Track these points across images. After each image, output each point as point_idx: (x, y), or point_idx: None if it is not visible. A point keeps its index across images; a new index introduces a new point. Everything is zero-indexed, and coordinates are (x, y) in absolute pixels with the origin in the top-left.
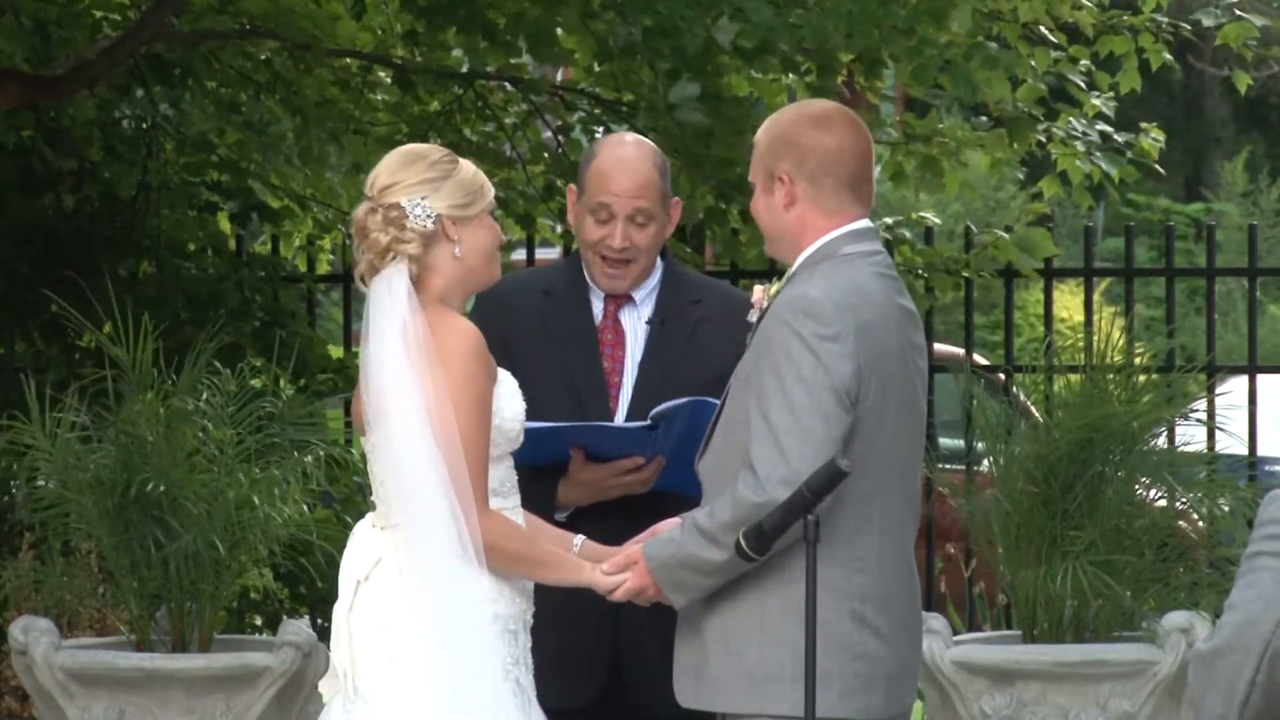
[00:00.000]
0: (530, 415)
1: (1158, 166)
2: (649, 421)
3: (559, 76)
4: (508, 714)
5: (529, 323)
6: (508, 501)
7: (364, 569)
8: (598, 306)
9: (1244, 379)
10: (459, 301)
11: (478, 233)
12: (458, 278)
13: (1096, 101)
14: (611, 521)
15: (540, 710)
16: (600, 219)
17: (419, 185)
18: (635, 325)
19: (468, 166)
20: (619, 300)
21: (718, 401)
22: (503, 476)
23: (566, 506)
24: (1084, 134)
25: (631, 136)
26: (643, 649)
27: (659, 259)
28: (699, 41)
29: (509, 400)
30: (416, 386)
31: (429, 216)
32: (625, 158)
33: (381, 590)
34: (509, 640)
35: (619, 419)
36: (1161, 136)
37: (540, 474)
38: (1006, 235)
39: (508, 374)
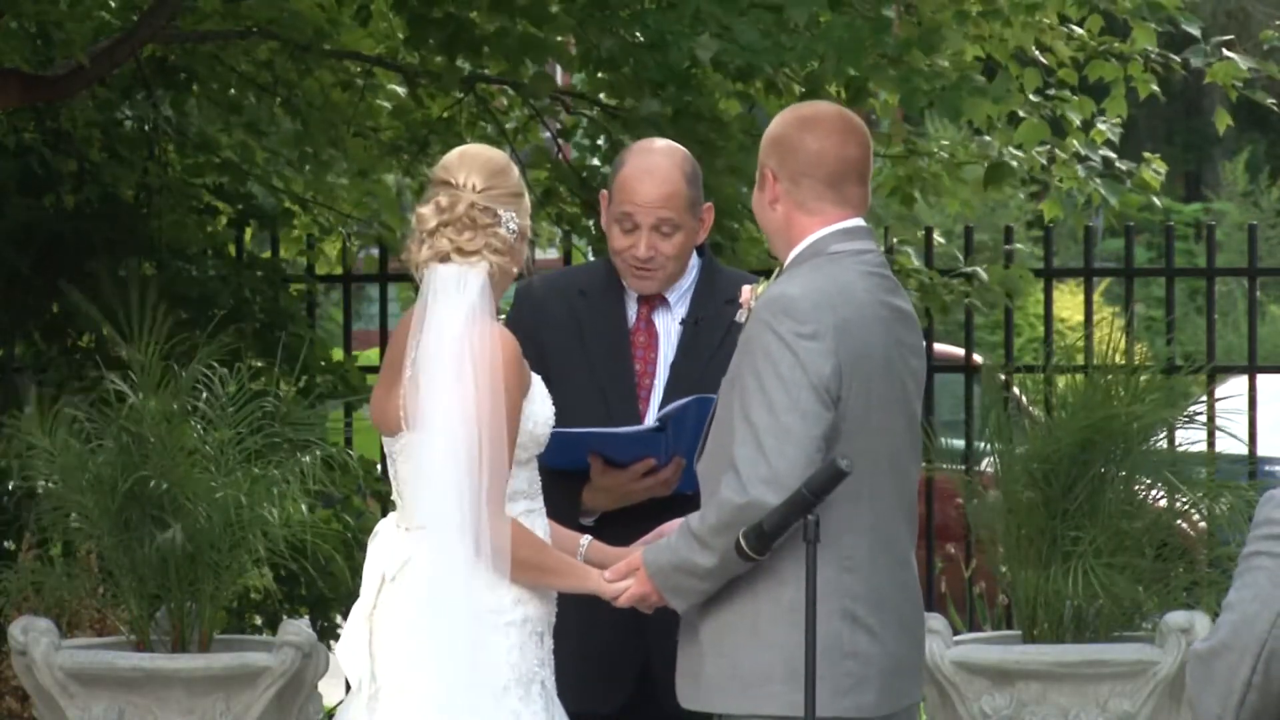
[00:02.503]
0: (560, 418)
1: (1155, 199)
2: (656, 423)
3: (559, 81)
4: (534, 715)
5: (563, 323)
6: (534, 504)
7: (392, 569)
8: (631, 309)
9: (1244, 379)
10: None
11: (524, 251)
12: (502, 291)
13: (1103, 127)
14: (639, 526)
15: (563, 710)
16: (625, 228)
17: (511, 198)
18: (669, 326)
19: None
20: (652, 302)
21: None
22: (529, 478)
23: (592, 511)
24: (1086, 158)
25: (661, 143)
26: (671, 653)
27: (696, 256)
28: (683, 57)
29: (540, 404)
30: (471, 390)
31: (515, 231)
32: (651, 167)
33: (409, 591)
34: (536, 642)
35: (648, 421)
36: (1164, 169)
37: (564, 478)
38: (984, 274)
39: (537, 377)
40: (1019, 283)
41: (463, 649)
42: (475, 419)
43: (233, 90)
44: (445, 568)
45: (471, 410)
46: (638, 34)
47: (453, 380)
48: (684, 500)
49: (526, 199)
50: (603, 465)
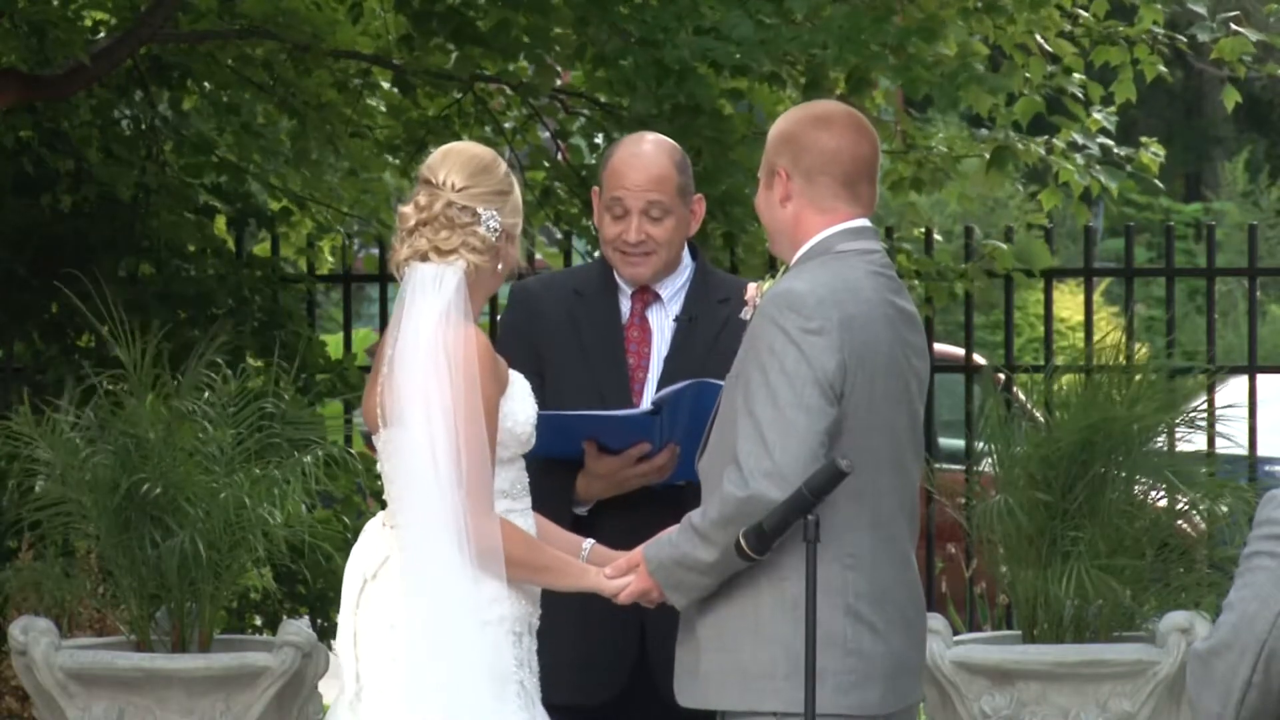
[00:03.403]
0: (554, 410)
1: (1157, 182)
2: (651, 406)
3: (558, 81)
4: (510, 714)
5: (558, 321)
6: (518, 504)
7: (372, 567)
8: (625, 305)
9: (1244, 379)
10: (475, 312)
11: (514, 251)
12: (490, 290)
13: (1099, 116)
14: (632, 515)
15: (544, 712)
16: (616, 214)
17: (493, 196)
18: (663, 323)
19: (517, 185)
20: (647, 299)
21: (720, 383)
22: (513, 478)
23: (587, 500)
24: (1084, 147)
25: (651, 135)
26: (668, 647)
27: (690, 259)
28: (679, 55)
29: (522, 403)
30: (446, 386)
31: (497, 230)
32: (640, 153)
33: (389, 589)
34: (513, 642)
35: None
36: (1162, 151)
37: (558, 468)
38: (1005, 246)
39: (520, 376)
40: (1035, 255)
41: (436, 647)
42: (450, 415)
43: (228, 89)
44: (419, 564)
45: (447, 406)
46: (634, 30)
47: (427, 377)
48: (678, 491)
49: (514, 198)
50: (597, 451)
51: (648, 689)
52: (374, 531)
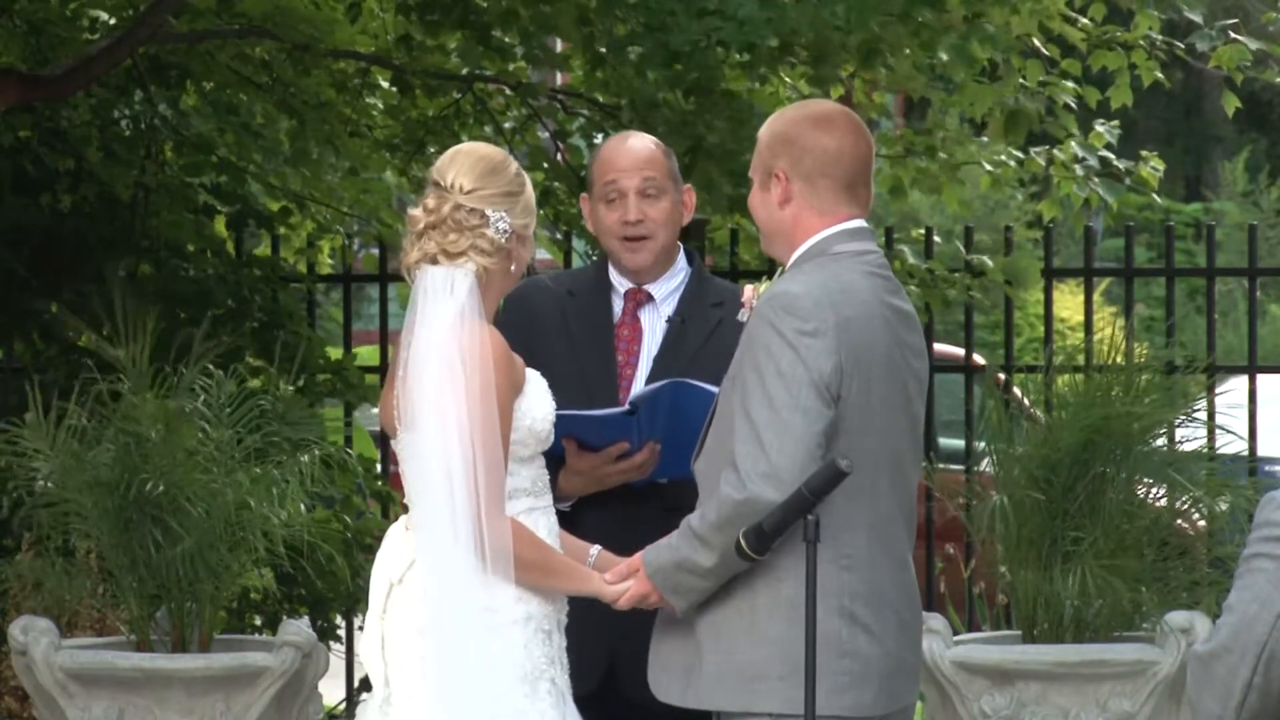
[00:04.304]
0: None
1: (1155, 196)
2: (628, 406)
3: (558, 81)
4: (541, 713)
5: (552, 320)
6: (540, 501)
7: (398, 571)
8: (618, 304)
9: (1244, 379)
10: (489, 313)
11: (526, 251)
12: (503, 291)
13: (1102, 130)
14: (613, 511)
15: (575, 708)
16: (611, 199)
17: (502, 198)
18: (654, 323)
19: (528, 184)
20: (639, 299)
21: (699, 384)
22: (534, 476)
23: (568, 496)
24: (1084, 159)
25: (634, 131)
26: (638, 646)
27: (686, 263)
28: (687, 39)
29: (540, 401)
30: (461, 389)
31: (506, 232)
32: (626, 141)
33: (415, 593)
34: (543, 640)
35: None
36: (1161, 166)
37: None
38: (998, 256)
39: (537, 374)
40: (1025, 271)
41: (461, 649)
42: (466, 418)
43: (227, 89)
44: (439, 567)
45: (462, 410)
46: (640, 18)
47: (442, 380)
48: (659, 488)
49: (525, 198)
50: (577, 448)
51: (620, 686)
52: (397, 535)
